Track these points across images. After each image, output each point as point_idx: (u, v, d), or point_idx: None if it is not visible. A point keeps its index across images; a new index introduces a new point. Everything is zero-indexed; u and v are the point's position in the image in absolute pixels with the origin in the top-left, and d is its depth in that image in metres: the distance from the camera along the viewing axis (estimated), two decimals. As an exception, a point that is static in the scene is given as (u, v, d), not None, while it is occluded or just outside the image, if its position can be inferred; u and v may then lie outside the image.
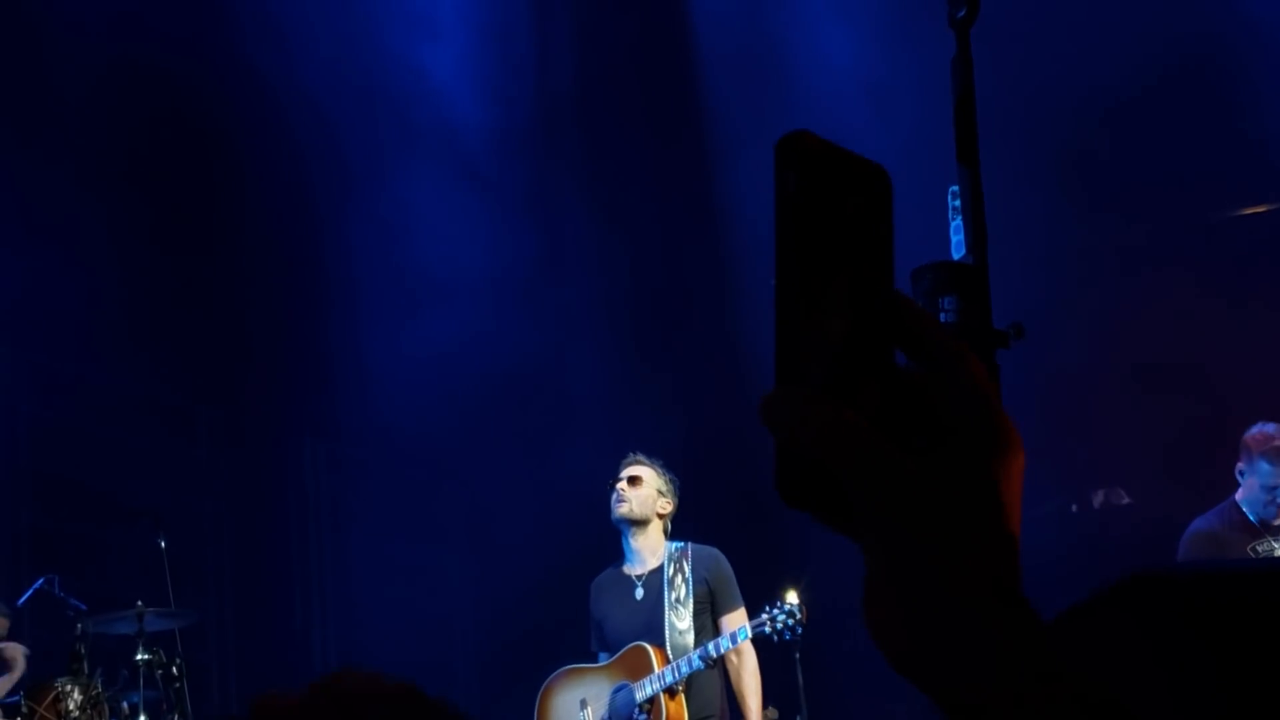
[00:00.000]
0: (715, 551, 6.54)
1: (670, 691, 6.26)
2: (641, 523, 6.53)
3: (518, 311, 10.41)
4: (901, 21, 8.31)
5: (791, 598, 6.24)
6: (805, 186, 0.84)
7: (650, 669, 6.30)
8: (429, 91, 10.17)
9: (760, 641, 6.37)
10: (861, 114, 8.85)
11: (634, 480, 6.55)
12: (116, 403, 11.01)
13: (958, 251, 3.66)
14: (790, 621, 6.21)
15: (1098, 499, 10.46)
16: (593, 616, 6.65)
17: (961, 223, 3.67)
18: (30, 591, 8.32)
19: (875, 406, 0.85)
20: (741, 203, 9.75)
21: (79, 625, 7.77)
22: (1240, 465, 6.77)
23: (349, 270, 10.32)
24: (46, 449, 10.54)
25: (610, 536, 6.64)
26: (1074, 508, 10.34)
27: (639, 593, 6.50)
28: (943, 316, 3.55)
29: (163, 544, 8.26)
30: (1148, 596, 1.65)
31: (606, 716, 6.39)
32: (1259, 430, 6.76)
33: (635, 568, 6.56)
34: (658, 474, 6.59)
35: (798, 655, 8.41)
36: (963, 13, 3.77)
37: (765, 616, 6.25)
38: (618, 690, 6.42)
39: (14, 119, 9.55)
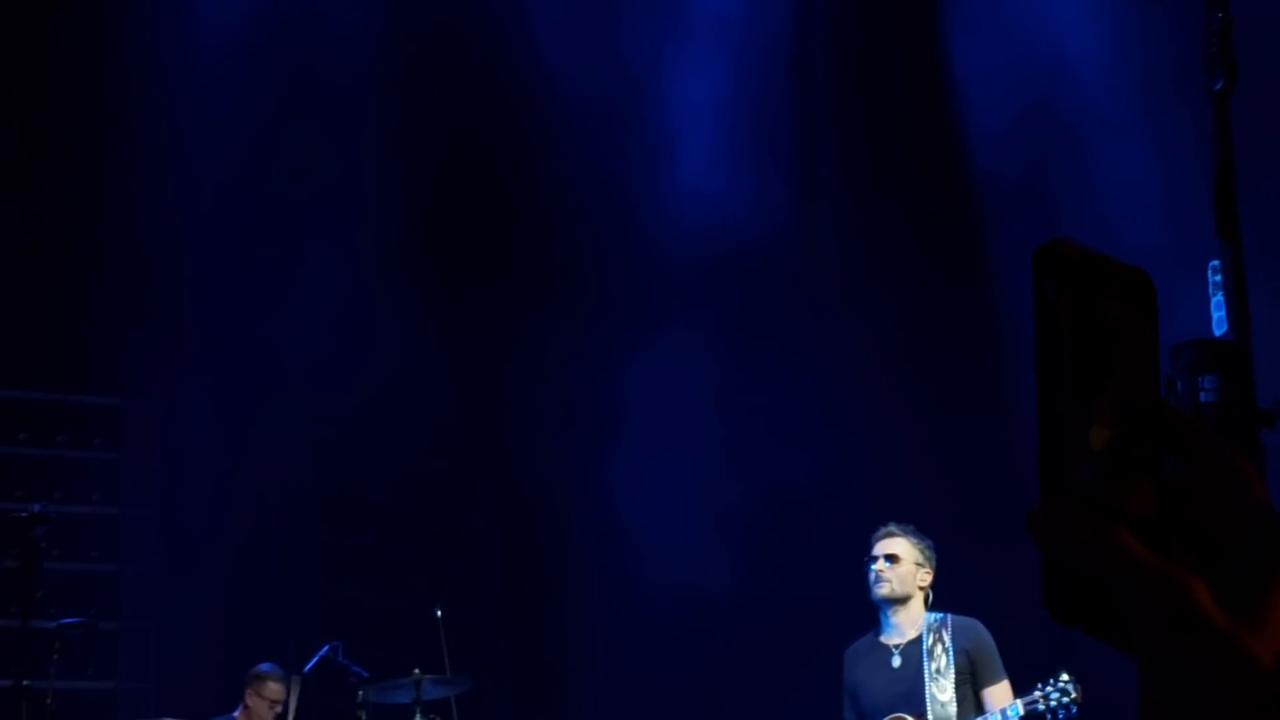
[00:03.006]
0: (976, 623, 6.38)
1: None
2: (902, 600, 6.42)
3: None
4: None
5: (1065, 675, 6.04)
6: (1064, 294, 0.84)
7: None
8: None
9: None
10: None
11: (892, 558, 6.42)
12: (397, 474, 11.41)
13: (1219, 328, 3.59)
14: (1065, 700, 6.01)
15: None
16: (846, 685, 6.54)
17: (1222, 298, 3.60)
18: (316, 658, 8.62)
19: (1143, 516, 0.83)
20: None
21: (360, 692, 8.03)
22: None
23: (628, 343, 10.50)
24: (332, 519, 10.98)
25: (866, 603, 6.54)
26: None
27: (896, 661, 6.38)
28: (1202, 395, 3.48)
29: (439, 612, 8.48)
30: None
31: (869, 788, 6.29)
32: None
33: (893, 637, 6.44)
34: (913, 545, 6.42)
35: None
36: (1220, 84, 3.71)
37: (1038, 694, 6.06)
38: (876, 764, 6.32)
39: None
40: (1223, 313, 3.59)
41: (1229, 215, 3.61)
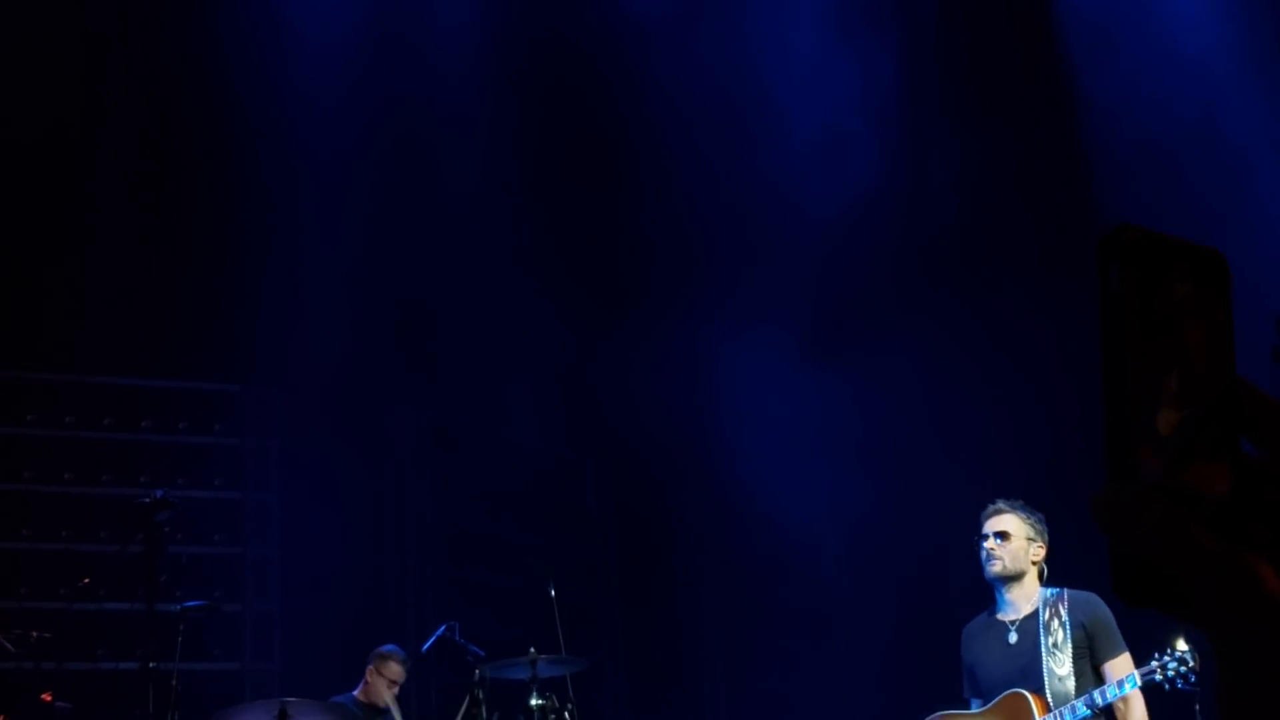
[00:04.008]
0: (1093, 596, 6.26)
1: None
2: (1016, 577, 6.34)
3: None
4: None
5: (1181, 644, 5.93)
6: (1128, 279, 0.83)
7: (1030, 717, 6.11)
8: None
9: (1153, 690, 6.09)
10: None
11: (1002, 535, 6.34)
12: (512, 456, 11.50)
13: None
14: (1182, 669, 5.89)
15: None
16: (964, 663, 6.47)
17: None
18: (434, 638, 8.72)
19: (1215, 498, 0.82)
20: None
21: (477, 671, 8.10)
22: None
23: (732, 319, 10.51)
24: (449, 501, 11.09)
25: (981, 581, 6.46)
26: None
27: (1013, 637, 6.29)
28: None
29: (552, 591, 8.53)
30: None
31: (984, 764, 6.22)
32: None
33: (1008, 614, 6.36)
34: (1023, 520, 6.31)
35: (1197, 707, 8.05)
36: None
37: (1155, 664, 5.95)
38: (995, 739, 6.25)
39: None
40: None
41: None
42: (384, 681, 8.53)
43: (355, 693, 8.59)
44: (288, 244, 9.93)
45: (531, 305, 10.52)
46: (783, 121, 10.32)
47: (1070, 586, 6.34)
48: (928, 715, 6.51)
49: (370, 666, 8.58)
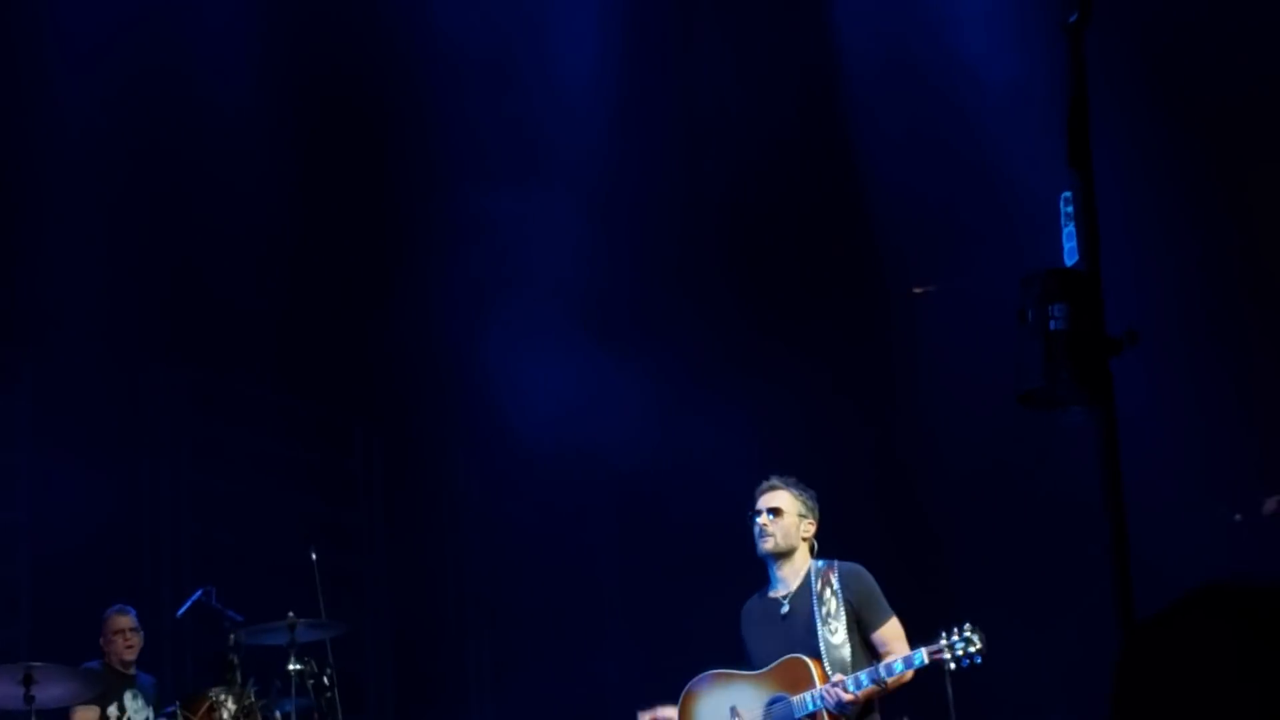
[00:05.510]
0: (858, 567, 6.33)
1: (841, 712, 6.05)
2: (788, 553, 6.40)
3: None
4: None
5: (968, 625, 5.97)
6: None
7: (810, 683, 6.08)
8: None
9: (933, 671, 6.13)
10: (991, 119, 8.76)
11: (775, 511, 6.38)
12: (274, 417, 11.27)
13: (1070, 258, 3.59)
14: (970, 649, 5.95)
15: (1269, 507, 10.09)
16: (744, 644, 6.51)
17: (1074, 229, 3.59)
18: (189, 603, 8.55)
19: None
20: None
21: (232, 635, 7.94)
22: None
23: (505, 284, 10.45)
24: (207, 463, 10.83)
25: (755, 558, 6.50)
26: (1238, 516, 9.98)
27: (784, 609, 6.35)
28: (1052, 324, 3.48)
29: (314, 556, 8.40)
30: (1219, 607, 1.62)
31: (761, 728, 6.23)
32: None
33: (780, 590, 6.41)
34: (795, 497, 6.36)
35: (950, 691, 8.27)
36: (1074, 17, 3.70)
37: (944, 644, 5.96)
38: (773, 702, 6.25)
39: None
40: (1074, 243, 3.59)
41: (1081, 146, 3.60)
42: (111, 639, 8.42)
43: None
44: (41, 196, 9.56)
45: (299, 264, 10.31)
46: (556, 75, 10.28)
47: (839, 559, 6.40)
48: (700, 674, 6.53)
49: (101, 638, 8.50)
